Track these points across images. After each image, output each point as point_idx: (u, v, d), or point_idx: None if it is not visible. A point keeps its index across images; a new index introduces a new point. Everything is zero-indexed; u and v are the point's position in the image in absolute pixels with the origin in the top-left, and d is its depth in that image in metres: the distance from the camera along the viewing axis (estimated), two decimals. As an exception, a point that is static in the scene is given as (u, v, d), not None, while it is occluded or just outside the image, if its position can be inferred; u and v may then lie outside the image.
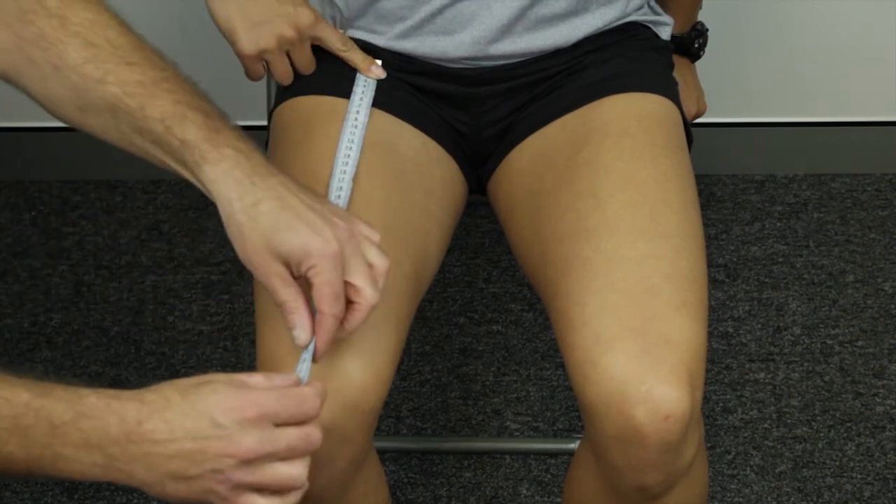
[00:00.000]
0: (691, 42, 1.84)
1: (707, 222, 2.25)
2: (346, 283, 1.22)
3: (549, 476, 1.98)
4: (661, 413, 1.32)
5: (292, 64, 1.55)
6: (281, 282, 1.22)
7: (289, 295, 1.22)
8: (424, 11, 1.53)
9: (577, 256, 1.41)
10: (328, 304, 1.21)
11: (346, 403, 1.32)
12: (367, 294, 1.23)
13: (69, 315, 2.20)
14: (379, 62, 1.56)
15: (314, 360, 1.24)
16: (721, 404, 2.07)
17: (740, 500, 1.95)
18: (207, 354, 2.14)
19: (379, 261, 1.25)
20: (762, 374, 2.11)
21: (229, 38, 1.53)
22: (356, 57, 1.55)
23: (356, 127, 1.49)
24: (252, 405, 1.12)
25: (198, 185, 1.24)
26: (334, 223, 1.22)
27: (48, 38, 1.24)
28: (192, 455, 1.10)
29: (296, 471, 1.13)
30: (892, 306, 2.21)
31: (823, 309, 2.21)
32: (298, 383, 1.17)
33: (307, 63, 1.55)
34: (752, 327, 2.18)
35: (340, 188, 1.42)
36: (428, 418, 2.05)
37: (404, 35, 1.55)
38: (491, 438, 2.03)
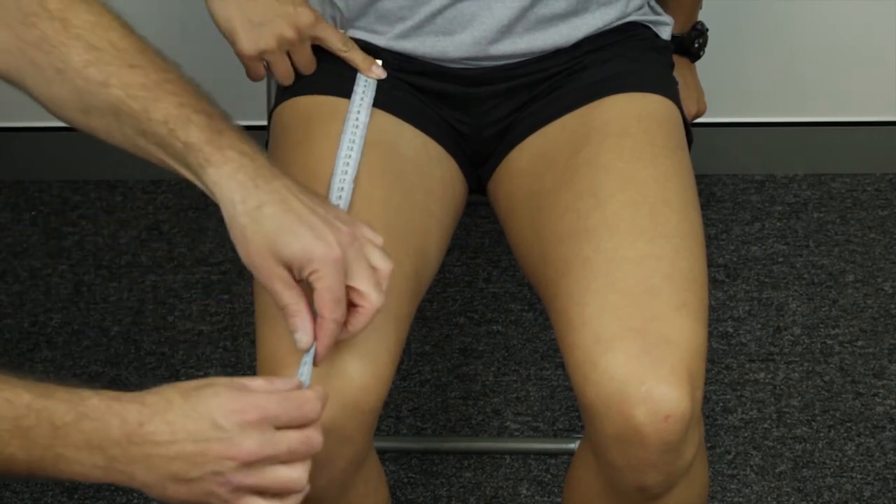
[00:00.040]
0: (691, 42, 1.84)
1: (707, 222, 2.24)
2: (350, 288, 1.22)
3: (549, 476, 1.98)
4: (661, 413, 1.32)
5: (293, 64, 1.55)
6: (283, 285, 1.22)
7: (291, 298, 1.22)
8: (425, 12, 1.53)
9: (577, 256, 1.41)
10: (329, 309, 1.21)
11: (347, 403, 1.32)
12: (371, 298, 1.23)
13: (69, 315, 2.20)
14: (379, 62, 1.56)
15: (314, 364, 1.24)
16: (721, 404, 2.07)
17: (740, 500, 1.95)
18: (207, 354, 2.14)
19: (382, 264, 1.25)
20: (762, 374, 2.11)
21: (229, 39, 1.53)
22: (357, 57, 1.55)
23: (357, 127, 1.49)
24: (253, 408, 1.12)
25: (201, 187, 1.24)
26: (337, 228, 1.22)
27: (50, 41, 1.24)
28: (193, 457, 1.11)
29: (296, 473, 1.13)
30: (892, 306, 2.21)
31: (823, 309, 2.21)
32: (300, 387, 1.17)
33: (308, 63, 1.55)
34: (752, 327, 2.18)
35: (342, 188, 1.42)
36: (428, 418, 2.05)
37: (404, 35, 1.55)
38: (491, 438, 2.03)
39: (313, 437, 1.14)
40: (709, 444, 1.99)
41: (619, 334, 1.34)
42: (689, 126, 1.61)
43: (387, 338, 1.36)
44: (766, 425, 2.04)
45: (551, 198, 1.48)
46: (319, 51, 1.56)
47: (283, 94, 1.58)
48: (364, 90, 1.53)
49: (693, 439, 1.37)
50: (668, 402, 1.32)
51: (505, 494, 1.96)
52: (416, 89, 1.57)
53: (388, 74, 1.56)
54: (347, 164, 1.44)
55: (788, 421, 2.04)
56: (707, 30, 1.85)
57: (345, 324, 1.24)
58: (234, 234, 1.23)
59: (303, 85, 1.56)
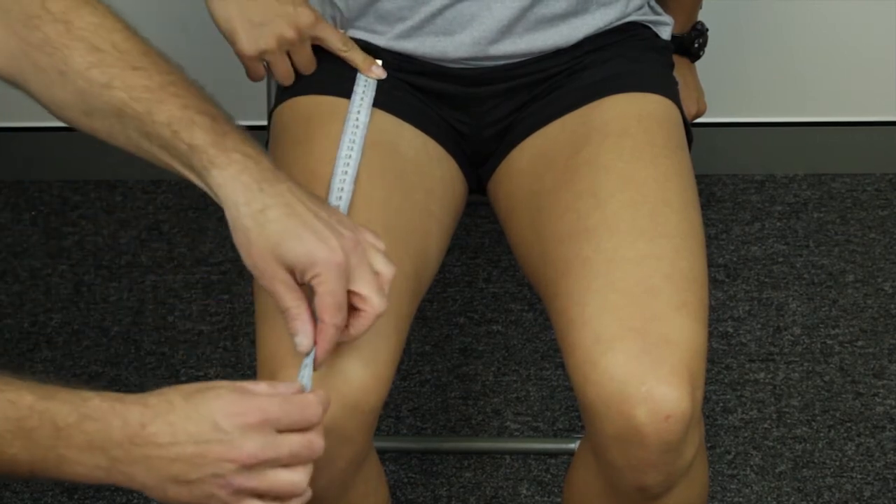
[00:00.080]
0: (691, 42, 1.84)
1: (707, 222, 2.24)
2: (352, 292, 1.22)
3: (549, 476, 1.98)
4: (661, 413, 1.32)
5: (293, 64, 1.55)
6: (285, 288, 1.22)
7: (292, 301, 1.22)
8: (424, 12, 1.53)
9: (577, 256, 1.41)
10: (330, 314, 1.21)
11: (347, 403, 1.32)
12: (373, 302, 1.23)
13: (69, 315, 2.20)
14: (379, 62, 1.56)
15: (314, 368, 1.24)
16: (721, 404, 2.07)
17: (740, 500, 1.95)
18: (207, 354, 2.14)
19: (385, 269, 1.25)
20: (762, 374, 2.11)
21: (229, 39, 1.53)
22: (357, 57, 1.55)
23: (357, 127, 1.49)
24: (254, 410, 1.12)
25: (205, 189, 1.24)
26: (340, 232, 1.22)
27: (53, 44, 1.24)
28: (194, 459, 1.11)
29: (297, 477, 1.13)
30: (892, 306, 2.21)
31: (823, 309, 2.21)
32: (302, 391, 1.17)
33: (308, 63, 1.55)
34: (752, 327, 2.18)
35: (342, 189, 1.42)
36: (428, 418, 2.05)
37: (404, 35, 1.55)
38: (491, 438, 2.03)
39: (315, 440, 1.14)
40: (709, 444, 1.99)
41: (619, 334, 1.34)
42: (689, 126, 1.61)
43: (387, 338, 1.36)
44: (766, 425, 2.04)
45: (551, 198, 1.48)
46: (319, 51, 1.56)
47: (283, 94, 1.58)
48: (364, 90, 1.53)
49: (693, 439, 1.37)
50: (669, 402, 1.32)
51: (505, 494, 1.96)
52: (416, 89, 1.57)
53: (388, 74, 1.56)
54: (348, 164, 1.44)
55: (788, 421, 2.04)
56: (707, 30, 1.85)
57: (346, 327, 1.24)
58: (238, 237, 1.23)
59: (303, 85, 1.56)
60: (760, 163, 2.45)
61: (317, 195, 1.27)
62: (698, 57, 1.86)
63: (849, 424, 2.04)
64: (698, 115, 1.86)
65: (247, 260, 1.23)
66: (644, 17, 1.62)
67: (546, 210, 1.48)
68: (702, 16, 1.85)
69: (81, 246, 2.32)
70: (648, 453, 1.35)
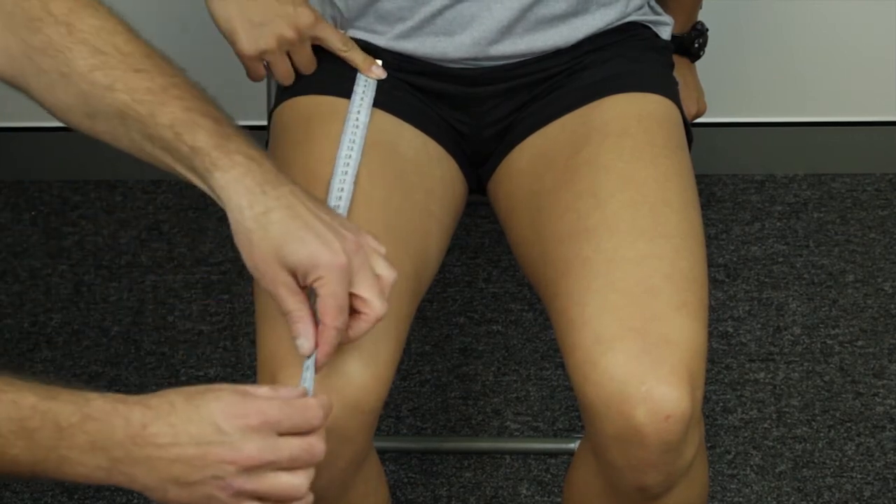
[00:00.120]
0: (691, 42, 1.84)
1: (707, 222, 2.24)
2: (353, 295, 1.23)
3: (549, 476, 1.98)
4: (661, 413, 1.32)
5: (293, 64, 1.55)
6: (287, 291, 1.22)
7: (295, 304, 1.22)
8: (424, 12, 1.53)
9: (577, 256, 1.41)
10: (331, 317, 1.21)
11: (347, 403, 1.32)
12: (374, 306, 1.23)
13: (69, 315, 2.20)
14: (379, 62, 1.56)
15: (315, 370, 1.24)
16: (721, 404, 2.07)
17: (740, 500, 1.95)
18: (207, 354, 2.14)
19: (386, 272, 1.25)
20: (762, 374, 2.11)
21: (229, 39, 1.53)
22: (357, 57, 1.55)
23: (357, 127, 1.49)
24: (255, 413, 1.12)
25: (208, 191, 1.24)
26: (343, 235, 1.22)
27: (56, 46, 1.24)
28: (194, 460, 1.11)
29: (297, 481, 1.13)
30: (892, 306, 2.21)
31: (823, 309, 2.21)
32: (304, 394, 1.17)
33: (308, 63, 1.55)
34: (752, 327, 2.18)
35: (342, 189, 1.42)
36: (428, 418, 2.05)
37: (404, 35, 1.55)
38: (491, 438, 2.03)
39: (315, 445, 1.14)
40: (709, 444, 1.99)
41: (619, 334, 1.34)
42: (689, 126, 1.61)
43: (387, 338, 1.36)
44: (766, 425, 2.04)
45: (551, 198, 1.48)
46: (319, 51, 1.56)
47: (283, 94, 1.58)
48: (364, 90, 1.53)
49: (693, 439, 1.37)
50: (669, 402, 1.32)
51: (505, 494, 1.96)
52: (416, 89, 1.57)
53: (388, 74, 1.56)
54: (348, 164, 1.44)
55: (788, 421, 2.04)
56: (707, 30, 1.85)
57: (346, 329, 1.24)
58: (240, 239, 1.23)
59: (303, 85, 1.56)
60: (760, 163, 2.45)
61: (319, 198, 1.27)
62: (698, 57, 1.86)
63: (849, 424, 2.04)
64: (698, 115, 1.86)
65: (249, 263, 1.23)
66: (644, 17, 1.62)
67: (546, 210, 1.48)
68: (702, 16, 1.85)
69: (81, 246, 2.32)
70: (648, 453, 1.35)
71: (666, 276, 1.38)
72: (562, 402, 2.07)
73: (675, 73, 1.65)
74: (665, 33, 1.64)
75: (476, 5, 1.52)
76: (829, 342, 2.16)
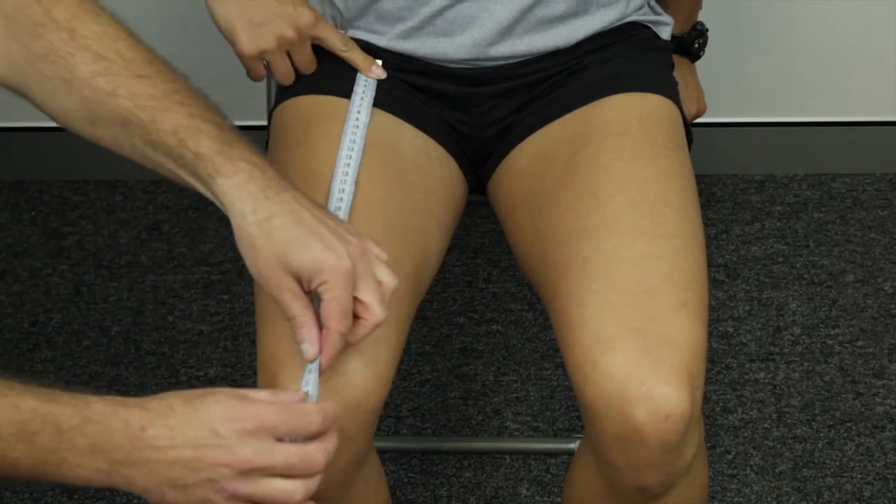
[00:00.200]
0: (691, 42, 1.84)
1: (707, 222, 2.24)
2: (355, 299, 1.23)
3: (549, 476, 1.98)
4: (661, 413, 1.32)
5: (293, 64, 1.55)
6: (291, 296, 1.22)
7: (299, 309, 1.22)
8: (424, 13, 1.53)
9: (577, 256, 1.41)
10: (335, 321, 1.21)
11: (347, 403, 1.32)
12: (375, 311, 1.23)
13: (69, 315, 2.20)
14: (379, 62, 1.56)
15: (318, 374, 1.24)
16: (721, 404, 2.07)
17: (740, 500, 1.95)
18: (207, 354, 2.14)
19: (388, 279, 1.25)
20: (762, 374, 2.11)
21: (229, 39, 1.53)
22: (357, 57, 1.55)
23: (357, 127, 1.49)
24: (252, 417, 1.12)
25: (211, 197, 1.24)
26: (347, 240, 1.22)
27: (58, 52, 1.24)
28: (190, 463, 1.11)
29: (291, 487, 1.13)
30: (892, 306, 2.21)
31: (823, 309, 2.21)
32: (305, 399, 1.17)
33: (308, 63, 1.55)
34: (752, 327, 2.18)
35: (343, 189, 1.42)
36: (428, 418, 2.05)
37: (404, 36, 1.55)
38: (491, 438, 2.03)
39: (314, 454, 1.14)
40: (709, 444, 1.99)
41: (619, 334, 1.34)
42: (689, 126, 1.61)
43: (387, 338, 1.36)
44: (766, 425, 2.04)
45: (551, 198, 1.48)
46: (319, 51, 1.56)
47: (283, 94, 1.58)
48: (364, 90, 1.53)
49: (693, 439, 1.37)
50: (668, 402, 1.32)
51: (505, 494, 1.96)
52: (417, 89, 1.57)
53: (389, 74, 1.56)
54: (348, 164, 1.44)
55: (788, 421, 2.04)
56: (707, 30, 1.85)
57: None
58: (243, 245, 1.23)
59: (303, 85, 1.56)
60: (760, 163, 2.45)
61: (322, 204, 1.27)
62: (698, 57, 1.86)
63: (849, 424, 2.04)
64: (698, 115, 1.86)
65: (252, 268, 1.23)
66: (644, 17, 1.62)
67: (546, 210, 1.48)
68: (702, 16, 1.85)
69: (81, 246, 2.32)
70: (648, 453, 1.35)
71: (666, 276, 1.38)
72: (562, 402, 2.07)
73: (675, 73, 1.65)
74: (665, 33, 1.64)
75: (476, 6, 1.52)
76: (829, 342, 2.16)
